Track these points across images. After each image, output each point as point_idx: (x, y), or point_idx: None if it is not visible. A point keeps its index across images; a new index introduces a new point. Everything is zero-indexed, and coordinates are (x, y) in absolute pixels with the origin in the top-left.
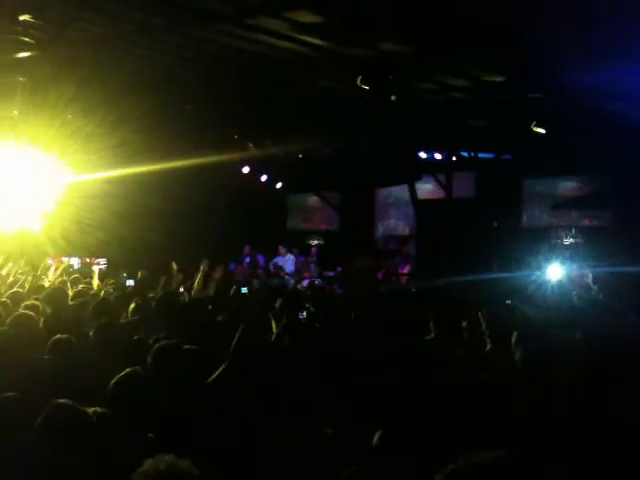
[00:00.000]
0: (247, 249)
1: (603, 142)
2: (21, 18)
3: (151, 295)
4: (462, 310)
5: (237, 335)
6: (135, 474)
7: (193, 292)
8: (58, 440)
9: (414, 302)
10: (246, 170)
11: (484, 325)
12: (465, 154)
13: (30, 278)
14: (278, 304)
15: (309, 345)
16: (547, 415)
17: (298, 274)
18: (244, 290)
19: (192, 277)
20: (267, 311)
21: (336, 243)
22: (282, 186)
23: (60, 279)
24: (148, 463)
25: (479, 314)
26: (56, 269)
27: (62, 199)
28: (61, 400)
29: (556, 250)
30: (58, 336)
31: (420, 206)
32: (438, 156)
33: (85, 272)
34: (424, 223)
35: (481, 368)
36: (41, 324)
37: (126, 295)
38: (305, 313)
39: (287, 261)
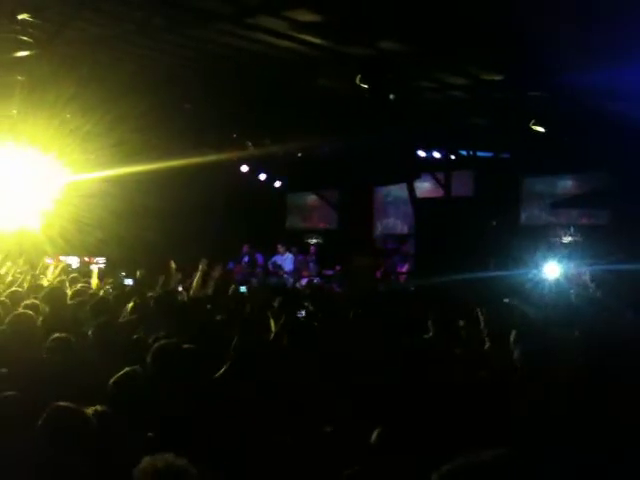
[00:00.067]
0: (246, 248)
1: (602, 141)
2: (20, 17)
3: (150, 294)
4: (461, 309)
5: (237, 335)
6: (133, 472)
7: (192, 291)
8: (59, 442)
9: (413, 301)
10: (245, 169)
11: (483, 323)
12: (464, 153)
13: (29, 277)
14: (277, 303)
15: (308, 344)
16: (546, 414)
17: (297, 273)
18: (243, 289)
19: (191, 276)
20: (266, 310)
21: (335, 242)
22: (281, 185)
23: (59, 278)
24: (146, 461)
25: (478, 312)
26: (55, 268)
27: (61, 198)
28: (62, 403)
29: (555, 248)
30: (56, 335)
31: (419, 205)
32: (437, 155)
33: (84, 271)
34: (423, 222)
35: (480, 367)
36: (39, 323)
37: (125, 294)
38: (304, 312)
39: (286, 260)
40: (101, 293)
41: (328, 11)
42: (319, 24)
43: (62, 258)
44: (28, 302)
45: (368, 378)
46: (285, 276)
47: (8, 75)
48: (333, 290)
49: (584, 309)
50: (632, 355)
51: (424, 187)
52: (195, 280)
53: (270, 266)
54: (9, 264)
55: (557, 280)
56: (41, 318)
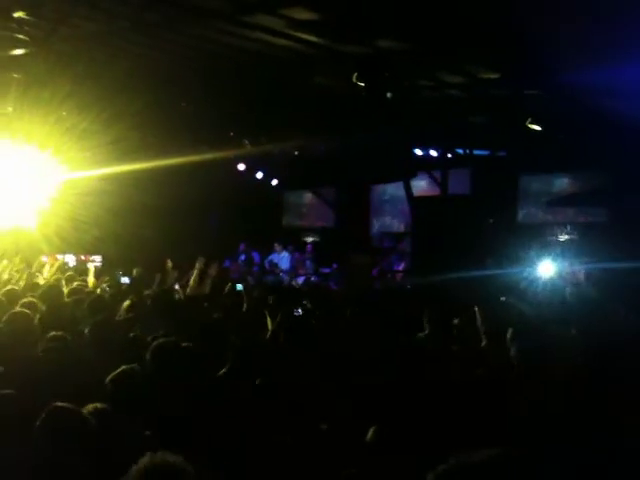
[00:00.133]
0: (242, 246)
1: (598, 139)
2: (16, 15)
3: (147, 293)
4: (457, 307)
5: (234, 333)
6: (130, 471)
7: (189, 289)
8: (57, 442)
9: (409, 299)
10: (242, 167)
11: (480, 321)
12: (461, 151)
13: (25, 276)
14: (272, 301)
15: (304, 342)
16: (543, 412)
17: (293, 271)
18: (239, 287)
19: (187, 274)
20: (263, 308)
21: (332, 240)
22: (278, 183)
23: (55, 276)
24: (143, 460)
25: (475, 310)
26: (51, 266)
27: (57, 196)
28: (60, 403)
29: (551, 247)
30: (53, 333)
31: (415, 203)
32: (433, 153)
33: (80, 269)
34: (419, 220)
35: (476, 364)
36: (36, 321)
37: (121, 293)
38: (300, 310)
39: (282, 258)
40: (98, 291)
41: (325, 9)
42: (316, 22)
43: (59, 256)
44: (26, 300)
45: (365, 376)
46: (281, 274)
47: (4, 73)
48: (330, 288)
49: (578, 307)
50: (629, 354)
51: (421, 185)
52: (192, 278)
53: (267, 264)
54: (5, 262)
55: (552, 278)
56: (38, 316)
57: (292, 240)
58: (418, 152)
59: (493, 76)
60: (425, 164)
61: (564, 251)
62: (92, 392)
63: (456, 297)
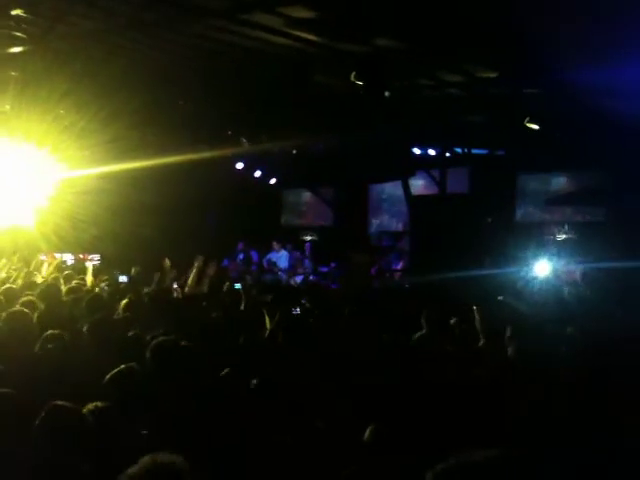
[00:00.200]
0: (241, 245)
1: (596, 139)
2: (13, 13)
3: (145, 290)
4: (455, 306)
5: (233, 333)
6: (129, 472)
7: (187, 288)
8: (57, 440)
9: (407, 298)
10: (240, 166)
11: (478, 321)
12: (459, 150)
13: (23, 274)
14: (270, 300)
15: (303, 341)
16: (541, 412)
17: (292, 270)
18: (238, 286)
19: (186, 273)
20: (261, 307)
21: (330, 239)
22: (276, 182)
23: (53, 275)
24: (142, 461)
25: (474, 310)
26: (49, 265)
27: (55, 195)
28: (59, 402)
29: (549, 246)
30: (50, 332)
31: (414, 202)
32: (432, 152)
33: (78, 268)
34: (418, 219)
35: (474, 364)
36: (35, 320)
37: (120, 291)
38: (299, 309)
39: (281, 257)
40: (96, 290)
41: (324, 8)
42: (314, 21)
43: (57, 255)
44: (25, 299)
45: (363, 376)
46: (280, 273)
47: (1, 71)
48: (328, 287)
49: (574, 307)
50: (626, 353)
51: (419, 184)
52: (190, 277)
53: (265, 263)
54: (3, 261)
55: (548, 278)
56: (36, 314)
57: (291, 239)
58: (416, 151)
59: (492, 75)
60: (423, 163)
61: (562, 250)
62: (91, 391)
63: (454, 296)
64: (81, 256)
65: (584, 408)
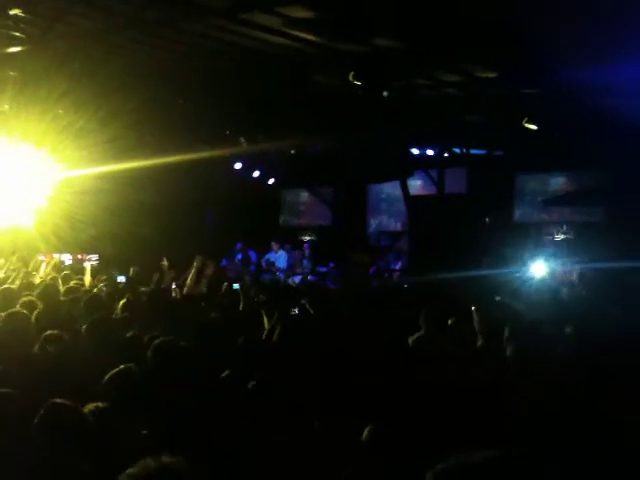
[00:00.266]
0: (239, 245)
1: (595, 139)
2: (12, 12)
3: (142, 290)
4: (453, 306)
5: (232, 333)
6: (127, 473)
7: (186, 288)
8: (56, 439)
9: (406, 298)
10: (238, 166)
11: (476, 321)
12: (457, 150)
13: (21, 275)
14: (267, 300)
15: (301, 341)
16: (540, 412)
17: (290, 270)
18: (236, 286)
19: (184, 273)
20: (259, 307)
21: (329, 239)
22: (275, 182)
23: (51, 275)
24: (140, 463)
25: (473, 310)
26: (47, 265)
27: (53, 195)
28: (58, 400)
29: (547, 246)
30: (49, 332)
31: (412, 202)
32: (430, 152)
33: (77, 268)
34: (416, 219)
35: (473, 364)
36: (33, 320)
37: (118, 291)
38: (297, 309)
39: (279, 257)
40: (94, 290)
41: (322, 8)
42: (313, 20)
43: (55, 255)
44: (25, 299)
45: (362, 376)
46: (278, 273)
47: (0, 71)
48: (327, 287)
49: (571, 307)
50: (624, 353)
51: (417, 184)
52: (189, 277)
53: (264, 263)
54: (2, 261)
55: (545, 278)
56: (35, 315)
57: (289, 239)
58: (415, 151)
59: (490, 75)
60: (422, 163)
61: (559, 250)
62: (90, 391)
63: (452, 296)
64: (79, 256)
65: (582, 408)
